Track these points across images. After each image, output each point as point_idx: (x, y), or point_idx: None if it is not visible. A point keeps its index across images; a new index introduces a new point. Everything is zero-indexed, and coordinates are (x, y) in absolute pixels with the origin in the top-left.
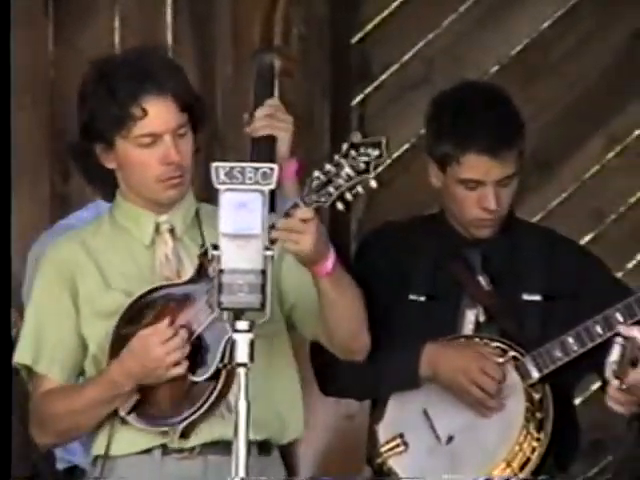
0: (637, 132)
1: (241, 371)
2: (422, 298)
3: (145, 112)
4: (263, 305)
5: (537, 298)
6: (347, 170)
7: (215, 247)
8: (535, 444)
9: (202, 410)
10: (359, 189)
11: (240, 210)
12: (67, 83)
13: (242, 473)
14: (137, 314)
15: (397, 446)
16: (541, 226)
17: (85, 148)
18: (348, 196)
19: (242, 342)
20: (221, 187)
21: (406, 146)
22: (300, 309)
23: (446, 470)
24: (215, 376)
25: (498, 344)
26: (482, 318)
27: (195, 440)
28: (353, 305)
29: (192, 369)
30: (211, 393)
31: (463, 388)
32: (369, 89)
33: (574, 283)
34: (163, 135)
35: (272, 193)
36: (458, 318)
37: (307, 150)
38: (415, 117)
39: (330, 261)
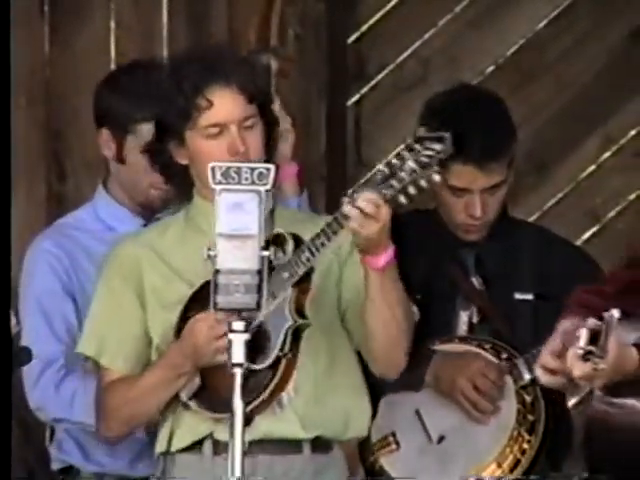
0: (632, 132)
1: (236, 371)
2: (417, 296)
3: (210, 102)
4: (259, 305)
5: (529, 297)
6: (411, 164)
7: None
8: (526, 446)
9: (262, 398)
10: (422, 183)
11: (236, 210)
12: (63, 83)
13: (238, 473)
14: (201, 300)
15: (389, 445)
16: (535, 225)
17: (160, 147)
18: (411, 190)
19: (237, 342)
20: (217, 187)
21: (402, 146)
22: (351, 314)
23: (437, 470)
24: (274, 365)
25: (491, 345)
26: (475, 319)
27: (247, 436)
28: (398, 313)
29: (253, 358)
30: (270, 381)
31: (462, 398)
32: (365, 89)
33: (568, 283)
34: (229, 125)
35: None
36: (452, 318)
37: (303, 150)
38: (411, 117)
39: (387, 256)
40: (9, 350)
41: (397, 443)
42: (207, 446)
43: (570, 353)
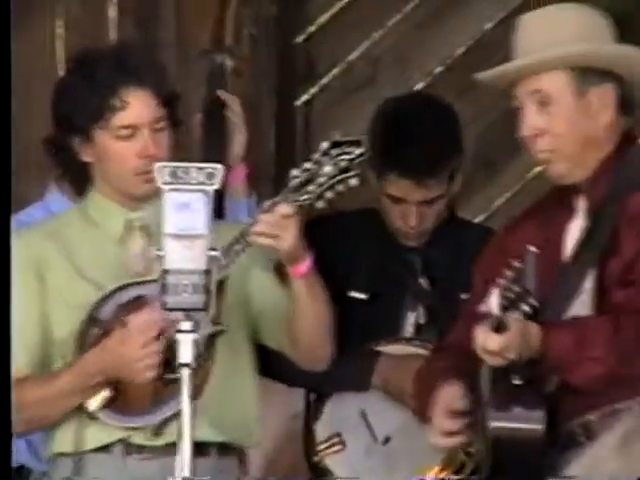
0: None
1: (184, 372)
2: (363, 296)
3: (124, 103)
4: (207, 305)
5: None
6: (328, 169)
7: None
8: (471, 449)
9: (175, 409)
10: (340, 187)
11: (184, 210)
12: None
13: (187, 473)
14: (107, 310)
15: (334, 445)
16: (482, 226)
17: (62, 142)
18: (329, 195)
19: (185, 342)
20: (165, 187)
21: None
22: (267, 317)
23: (382, 470)
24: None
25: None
26: (423, 320)
27: (162, 439)
28: (323, 312)
29: (169, 367)
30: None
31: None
32: (314, 89)
33: None
34: (141, 128)
35: (221, 197)
36: (399, 319)
37: (252, 149)
38: (360, 117)
39: (307, 262)
40: (9, 350)
41: (342, 443)
42: (118, 448)
43: (479, 330)
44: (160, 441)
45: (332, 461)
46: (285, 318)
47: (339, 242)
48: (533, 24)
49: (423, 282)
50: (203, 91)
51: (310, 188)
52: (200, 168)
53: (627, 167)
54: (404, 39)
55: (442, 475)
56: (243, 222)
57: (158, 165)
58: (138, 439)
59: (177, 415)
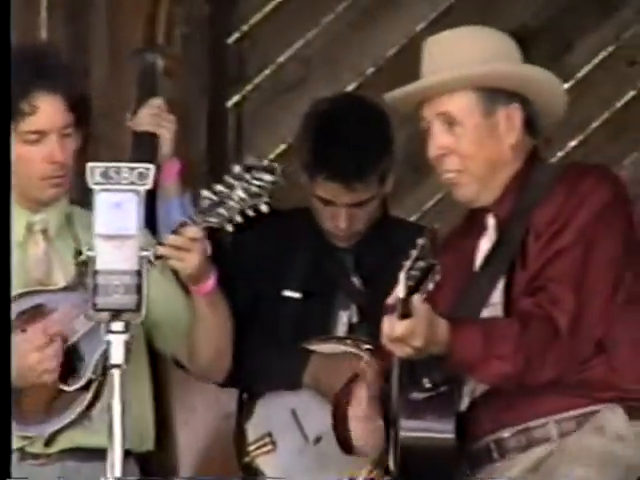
0: None
1: (115, 373)
2: (297, 295)
3: (34, 108)
4: (139, 306)
5: None
6: (240, 193)
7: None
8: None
9: (69, 420)
10: (250, 212)
11: (115, 210)
12: None
13: (118, 473)
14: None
15: (265, 445)
16: (415, 224)
17: None
18: (238, 219)
19: (117, 343)
20: (96, 187)
21: (282, 146)
22: (163, 325)
23: (313, 470)
24: (86, 387)
25: (369, 346)
26: (355, 319)
27: (55, 447)
28: (224, 327)
29: (64, 378)
30: (80, 403)
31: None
32: (246, 89)
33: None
34: (50, 133)
35: (153, 193)
36: (332, 318)
37: (184, 149)
38: (291, 117)
39: (211, 281)
40: (9, 350)
41: (273, 443)
42: (15, 455)
43: (386, 319)
44: (53, 449)
45: (263, 461)
46: (184, 330)
47: (274, 241)
48: (439, 46)
49: (356, 281)
50: (135, 91)
51: (220, 211)
52: (132, 168)
53: (532, 185)
54: (336, 39)
55: (372, 475)
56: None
57: (90, 165)
58: (32, 448)
59: (69, 426)
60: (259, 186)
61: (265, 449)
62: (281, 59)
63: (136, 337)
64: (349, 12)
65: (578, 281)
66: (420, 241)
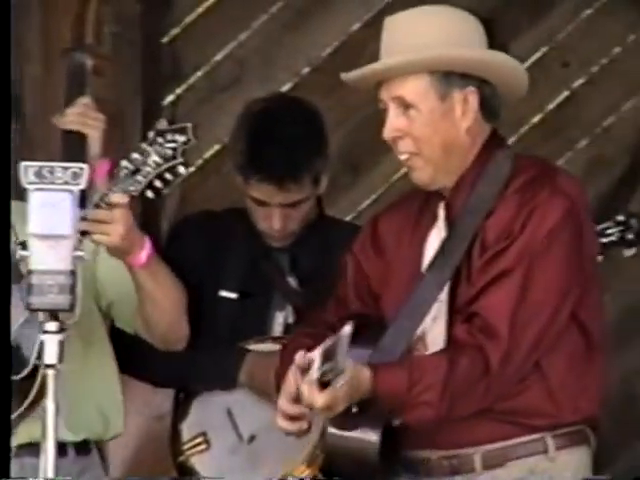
0: None
1: (49, 372)
2: (234, 295)
3: None
4: (73, 306)
5: None
6: (154, 157)
7: (24, 247)
8: None
9: (22, 408)
10: (168, 176)
11: (49, 210)
12: None
13: (50, 474)
14: None
15: (199, 444)
16: (351, 224)
17: None
18: (158, 183)
19: (51, 343)
20: (30, 187)
21: (217, 146)
22: (118, 304)
23: (247, 469)
24: (33, 375)
25: None
26: (291, 319)
27: (13, 441)
28: (171, 296)
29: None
30: (29, 392)
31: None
32: (180, 89)
33: None
34: None
35: (83, 194)
36: (268, 319)
37: (118, 150)
38: (226, 117)
39: (145, 252)
40: (9, 350)
41: (208, 443)
42: None
43: (305, 386)
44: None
45: (197, 460)
46: (136, 304)
47: (210, 242)
48: (398, 27)
49: (291, 282)
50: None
51: (138, 178)
52: (65, 168)
53: (487, 180)
54: (270, 40)
55: (307, 473)
56: None
57: (23, 164)
58: None
59: (21, 417)
60: (172, 148)
61: (199, 448)
62: (216, 59)
63: (97, 325)
64: (283, 12)
65: (515, 311)
66: (328, 342)
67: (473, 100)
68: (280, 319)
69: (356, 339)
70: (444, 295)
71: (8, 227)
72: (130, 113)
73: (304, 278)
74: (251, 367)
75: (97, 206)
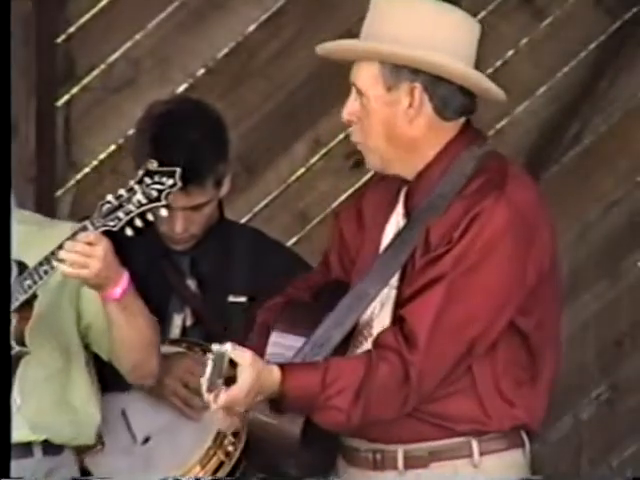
0: (341, 136)
1: None
2: None
3: None
4: None
5: (242, 299)
6: (139, 197)
7: None
8: (230, 449)
9: None
10: (149, 216)
11: None
12: None
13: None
14: None
15: (93, 445)
16: (251, 228)
17: None
18: (138, 222)
19: None
20: None
21: (113, 147)
22: (95, 329)
23: (139, 470)
24: None
25: (201, 348)
26: (189, 322)
27: None
28: (142, 333)
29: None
30: None
31: (173, 397)
32: (75, 90)
33: (280, 285)
34: None
35: None
36: (165, 321)
37: (12, 150)
38: (121, 118)
39: (120, 287)
40: (9, 350)
41: (102, 444)
42: None
43: (203, 387)
44: None
45: (91, 461)
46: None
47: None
48: (377, 8)
49: (191, 284)
50: None
51: (119, 215)
52: None
53: (449, 179)
54: (165, 40)
55: (200, 474)
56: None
57: None
58: None
59: None
60: (159, 190)
61: (93, 449)
62: (110, 59)
63: (74, 339)
64: (179, 13)
65: (439, 320)
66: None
67: (418, 95)
68: (178, 321)
69: (302, 321)
70: (394, 281)
71: (8, 227)
72: (23, 114)
73: (203, 281)
74: None
75: (73, 237)
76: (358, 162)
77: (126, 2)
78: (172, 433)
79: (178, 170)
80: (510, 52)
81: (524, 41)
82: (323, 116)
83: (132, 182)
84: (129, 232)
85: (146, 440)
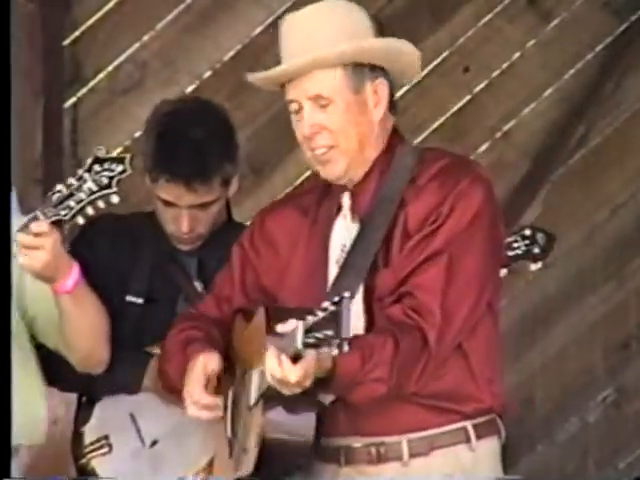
0: None
1: None
2: (140, 300)
3: None
4: None
5: None
6: (89, 184)
7: None
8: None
9: None
10: (100, 204)
11: None
12: None
13: None
14: None
15: (101, 447)
16: None
17: None
18: (90, 210)
19: None
20: None
21: (120, 149)
22: (40, 320)
23: (147, 473)
24: None
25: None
26: None
27: None
28: (93, 323)
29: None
30: None
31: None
32: (82, 92)
33: None
34: None
35: None
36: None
37: (18, 151)
38: (128, 120)
39: (71, 279)
40: (9, 349)
41: (110, 446)
42: None
43: (275, 360)
44: None
45: (98, 463)
46: (58, 325)
47: (117, 246)
48: (297, 25)
49: (197, 286)
50: None
51: (70, 203)
52: None
53: (394, 172)
54: (172, 42)
55: (202, 477)
56: None
57: None
58: None
59: None
60: (109, 177)
61: (101, 451)
62: (117, 61)
63: (20, 332)
64: (185, 15)
65: (445, 290)
66: (330, 307)
67: (382, 91)
68: None
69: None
70: (360, 294)
71: (8, 227)
72: (30, 116)
73: (211, 282)
74: (155, 372)
75: (24, 229)
76: None
77: (133, 4)
78: (179, 436)
79: (127, 156)
80: (517, 54)
81: (531, 43)
82: None
83: (81, 170)
84: (81, 220)
85: (154, 443)
